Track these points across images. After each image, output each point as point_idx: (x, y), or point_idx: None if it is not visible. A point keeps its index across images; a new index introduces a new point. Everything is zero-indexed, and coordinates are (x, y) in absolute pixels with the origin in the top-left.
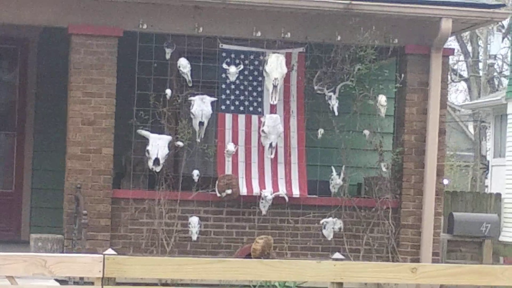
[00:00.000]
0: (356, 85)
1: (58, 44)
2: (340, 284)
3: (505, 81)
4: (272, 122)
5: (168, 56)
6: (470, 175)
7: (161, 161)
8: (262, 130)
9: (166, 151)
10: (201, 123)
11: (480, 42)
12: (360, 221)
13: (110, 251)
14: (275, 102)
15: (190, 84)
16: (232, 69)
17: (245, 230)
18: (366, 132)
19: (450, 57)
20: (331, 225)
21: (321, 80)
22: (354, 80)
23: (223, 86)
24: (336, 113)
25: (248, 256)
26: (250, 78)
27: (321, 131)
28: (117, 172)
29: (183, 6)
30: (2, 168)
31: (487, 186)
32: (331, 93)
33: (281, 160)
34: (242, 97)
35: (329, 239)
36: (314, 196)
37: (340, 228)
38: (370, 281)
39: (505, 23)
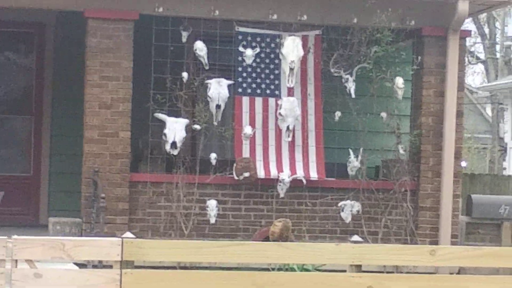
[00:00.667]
0: (373, 68)
1: (74, 28)
2: (359, 266)
3: None
4: (289, 105)
5: (184, 39)
6: (488, 157)
7: (178, 145)
8: (279, 113)
9: (183, 134)
10: (218, 106)
11: (497, 24)
12: (378, 203)
13: (128, 234)
14: (292, 85)
15: (207, 67)
16: (249, 52)
17: (263, 213)
18: (384, 114)
19: (467, 39)
20: (349, 208)
21: (338, 62)
22: (371, 62)
23: (240, 69)
24: (353, 96)
25: (266, 239)
26: (267, 61)
27: (338, 113)
28: (135, 155)
29: None
30: (20, 153)
31: (505, 168)
32: (348, 76)
33: (298, 143)
34: (258, 80)
35: (347, 221)
36: (332, 178)
37: (358, 211)
38: (389, 264)
39: None
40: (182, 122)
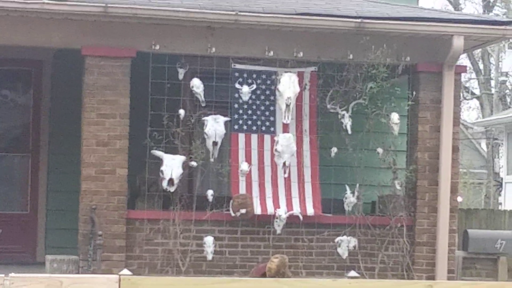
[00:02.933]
0: (368, 103)
1: (71, 66)
2: None
3: None
4: (286, 141)
5: (181, 77)
6: (484, 192)
7: (175, 181)
8: (276, 149)
9: (180, 171)
10: (214, 143)
11: (491, 60)
12: (375, 239)
13: (125, 271)
14: (288, 121)
15: (203, 104)
16: (245, 89)
17: (260, 249)
18: (380, 150)
19: (462, 74)
20: (346, 244)
21: (334, 98)
22: (366, 98)
23: (236, 105)
24: (349, 132)
25: (263, 275)
26: (263, 97)
27: (334, 149)
28: (132, 192)
29: (196, 27)
30: (17, 190)
31: (500, 203)
32: (344, 112)
33: (294, 179)
34: (254, 117)
35: (344, 257)
36: (329, 214)
37: (354, 246)
38: None
39: None
40: (179, 159)
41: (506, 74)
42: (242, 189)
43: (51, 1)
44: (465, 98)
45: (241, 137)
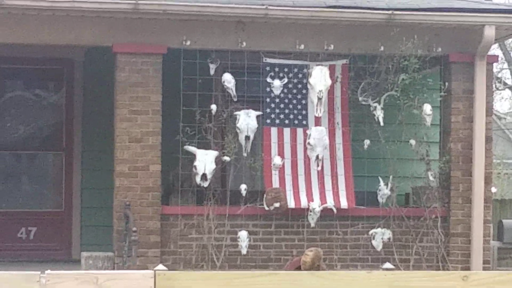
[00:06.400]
0: (400, 95)
1: (103, 63)
2: None
3: None
4: (318, 134)
5: (212, 72)
6: None
7: (209, 176)
8: (308, 143)
9: (213, 166)
10: (247, 138)
11: None
12: (409, 230)
13: (160, 267)
14: (320, 114)
15: (235, 99)
16: (276, 83)
17: (294, 242)
18: (412, 141)
19: (494, 64)
20: (380, 236)
21: (366, 91)
22: (398, 90)
23: (268, 100)
24: (382, 124)
25: (298, 268)
26: (294, 91)
27: (367, 142)
28: (165, 188)
29: (226, 22)
30: (51, 188)
31: None
32: (376, 104)
33: (327, 172)
34: (287, 111)
35: (379, 249)
36: (362, 207)
37: (389, 238)
38: None
39: None
40: (211, 154)
41: None
42: (275, 183)
43: None
44: (497, 89)
45: (274, 131)
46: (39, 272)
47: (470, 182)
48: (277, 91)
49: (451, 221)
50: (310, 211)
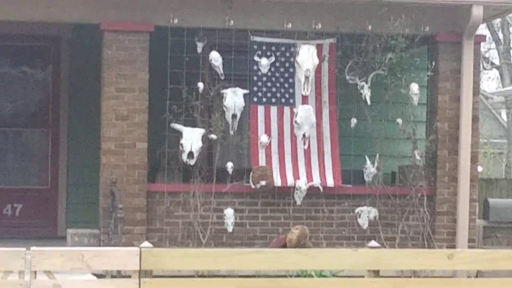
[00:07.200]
0: (388, 74)
1: (90, 41)
2: (377, 271)
3: None
4: (305, 113)
5: (199, 50)
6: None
7: (195, 154)
8: (295, 121)
9: (199, 144)
10: (234, 116)
11: (511, 29)
12: (395, 209)
13: (146, 244)
14: (307, 93)
15: (222, 77)
16: (264, 61)
17: (280, 220)
18: (399, 120)
19: (482, 44)
20: (366, 214)
21: (353, 70)
22: (386, 69)
23: (255, 78)
24: (369, 103)
25: (284, 246)
26: (282, 69)
27: (354, 120)
28: (152, 166)
29: (213, 0)
30: (37, 165)
31: None
32: (363, 83)
33: (314, 151)
34: (274, 89)
35: (364, 227)
36: (349, 185)
37: (375, 217)
38: (407, 268)
39: None
40: (198, 132)
41: None
42: (262, 161)
43: None
44: (484, 68)
45: (260, 109)
46: (24, 249)
47: (456, 161)
48: (264, 70)
49: (437, 200)
50: (297, 189)
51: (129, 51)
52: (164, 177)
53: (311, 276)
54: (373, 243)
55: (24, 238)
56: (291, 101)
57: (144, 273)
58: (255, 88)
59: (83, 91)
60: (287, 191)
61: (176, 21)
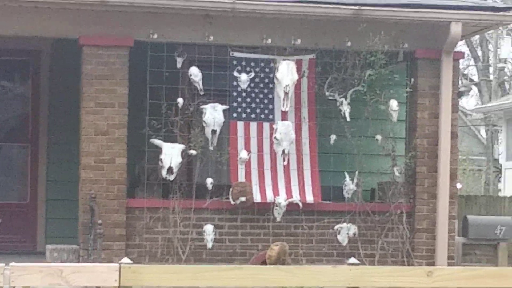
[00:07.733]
0: (367, 91)
1: (69, 55)
2: None
3: None
4: (284, 129)
5: (179, 65)
6: (483, 179)
7: (175, 170)
8: (275, 137)
9: (179, 159)
10: (213, 131)
11: (490, 46)
12: (375, 226)
13: (126, 260)
14: (286, 109)
15: (202, 93)
16: (243, 77)
17: (260, 237)
18: (379, 137)
19: (461, 61)
20: (346, 231)
21: (332, 86)
22: (365, 85)
23: (234, 94)
24: (348, 119)
25: (264, 263)
26: (261, 85)
27: (333, 137)
28: (131, 181)
29: (193, 15)
30: (16, 180)
31: (500, 190)
32: (343, 99)
33: (294, 167)
34: (253, 105)
35: (344, 244)
36: (328, 202)
37: (354, 234)
38: (386, 285)
39: None
40: (178, 147)
41: (505, 61)
42: (242, 177)
43: None
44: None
45: (240, 125)
46: (3, 264)
47: (435, 178)
48: (244, 85)
49: (416, 216)
50: (276, 206)
51: (108, 66)
52: (143, 193)
53: None
54: (352, 260)
55: (3, 253)
56: (271, 117)
57: None
58: (234, 104)
59: (63, 106)
60: (266, 207)
61: (155, 36)
